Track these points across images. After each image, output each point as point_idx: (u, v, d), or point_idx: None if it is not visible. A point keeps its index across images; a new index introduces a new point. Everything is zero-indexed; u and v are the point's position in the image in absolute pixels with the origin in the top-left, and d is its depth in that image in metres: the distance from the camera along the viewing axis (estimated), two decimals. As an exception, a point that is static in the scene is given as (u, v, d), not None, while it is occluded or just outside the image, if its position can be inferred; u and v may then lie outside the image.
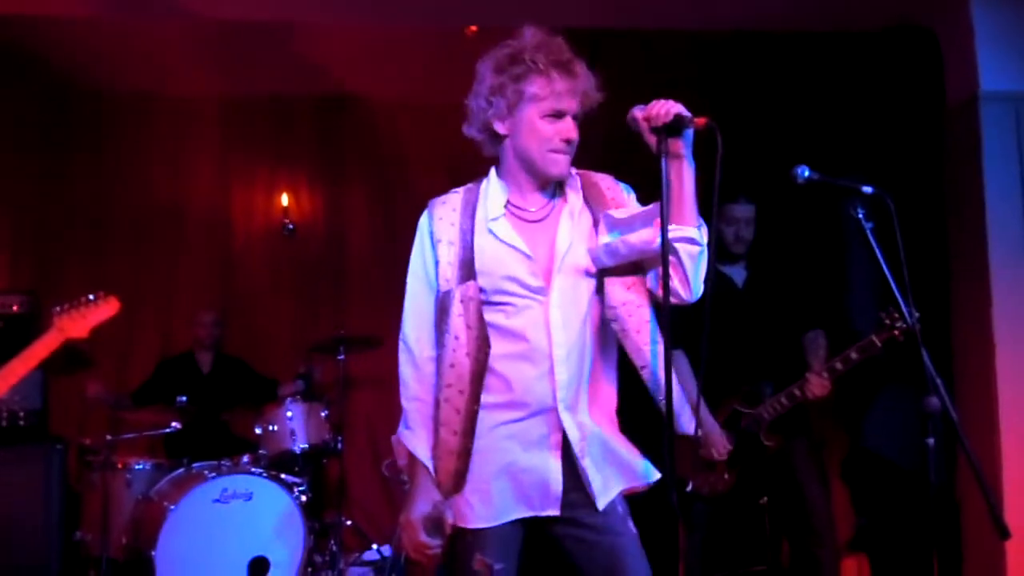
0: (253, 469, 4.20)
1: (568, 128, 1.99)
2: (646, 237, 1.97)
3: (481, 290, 2.00)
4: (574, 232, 2.04)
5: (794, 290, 3.51)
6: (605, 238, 2.03)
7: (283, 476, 4.25)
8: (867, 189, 2.35)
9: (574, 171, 2.11)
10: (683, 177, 1.92)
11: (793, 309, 3.47)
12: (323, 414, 4.58)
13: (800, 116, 4.55)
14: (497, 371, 1.99)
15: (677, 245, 1.91)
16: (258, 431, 4.58)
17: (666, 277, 1.84)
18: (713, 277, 3.39)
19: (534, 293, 2.00)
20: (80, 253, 5.89)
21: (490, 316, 2.00)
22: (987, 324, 3.74)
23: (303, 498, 4.17)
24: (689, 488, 3.35)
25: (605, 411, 2.09)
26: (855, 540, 4.21)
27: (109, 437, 4.31)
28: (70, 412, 5.21)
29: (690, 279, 1.98)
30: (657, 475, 2.05)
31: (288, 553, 4.04)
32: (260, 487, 4.09)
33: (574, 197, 2.08)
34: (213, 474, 4.06)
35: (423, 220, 2.11)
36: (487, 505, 1.99)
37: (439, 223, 2.07)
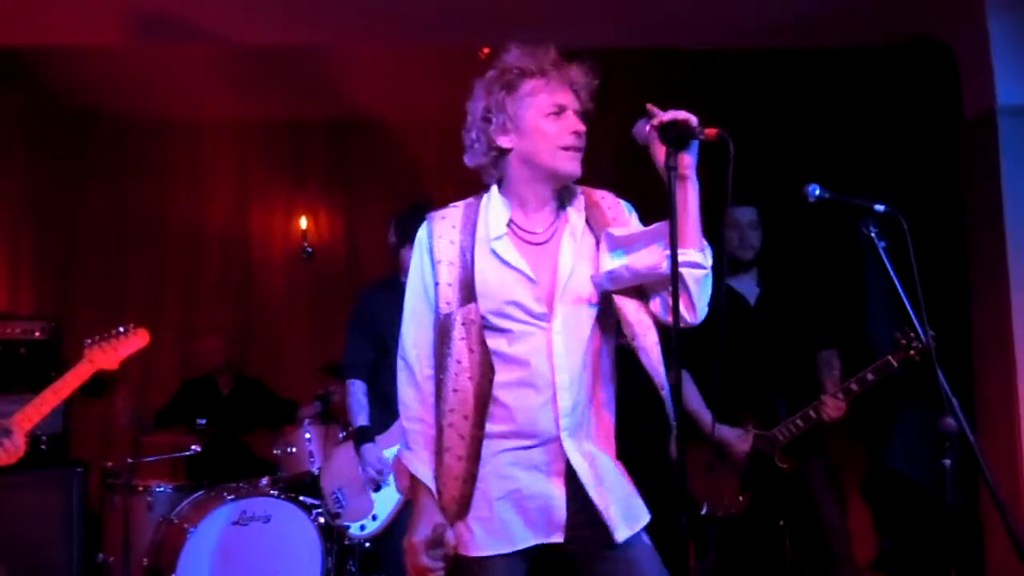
0: (271, 491, 4.21)
1: (572, 122, 1.96)
2: (649, 262, 1.94)
3: (481, 314, 1.96)
4: (576, 255, 2.00)
5: (807, 308, 3.47)
6: (607, 259, 2.00)
7: (301, 498, 4.26)
8: (879, 207, 2.34)
9: (577, 189, 2.08)
10: (688, 198, 1.88)
11: (806, 327, 3.44)
12: (341, 436, 4.59)
13: (816, 132, 4.53)
14: (499, 399, 1.95)
15: (682, 270, 1.87)
16: (276, 453, 4.60)
17: (675, 301, 1.80)
18: (724, 295, 3.41)
19: (536, 319, 1.96)
20: (101, 277, 5.97)
21: (491, 342, 1.96)
22: (1008, 342, 3.69)
23: (321, 520, 4.18)
24: (704, 511, 3.32)
25: (608, 438, 2.05)
26: (878, 561, 4.16)
27: (130, 460, 4.36)
28: (91, 436, 5.27)
29: (695, 303, 1.94)
30: (648, 517, 2.02)
31: (306, 575, 4.04)
32: (278, 509, 4.10)
33: (576, 217, 2.04)
34: (232, 496, 4.08)
35: (422, 236, 2.05)
36: (490, 533, 1.96)
37: (439, 241, 2.01)
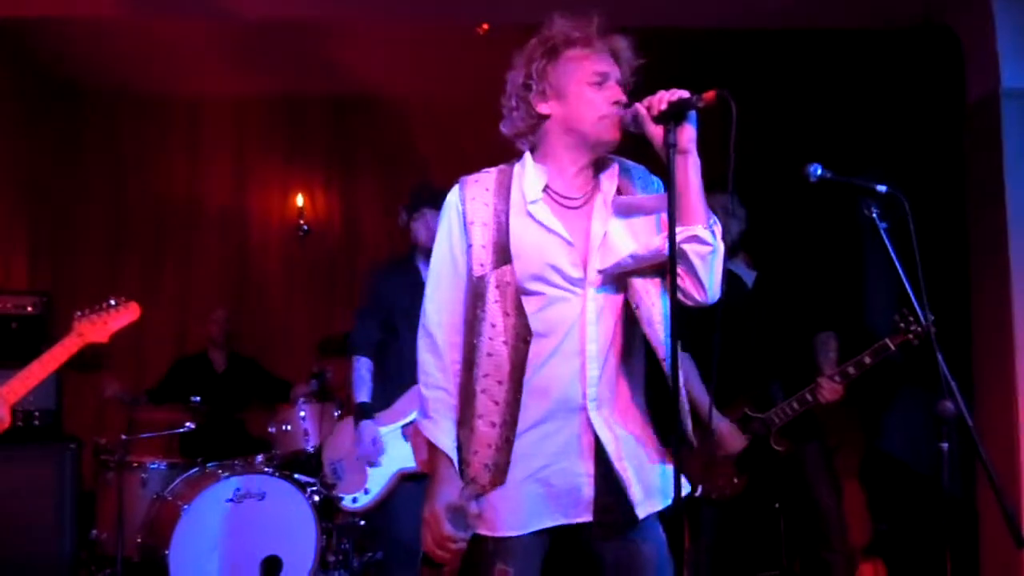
0: (266, 469, 4.21)
1: (615, 92, 1.92)
2: (653, 246, 1.90)
3: (517, 276, 1.89)
4: (606, 222, 1.94)
5: (805, 291, 3.45)
6: (614, 223, 1.95)
7: (296, 476, 4.26)
8: (881, 188, 2.31)
9: (612, 158, 2.03)
10: (689, 172, 1.84)
11: (804, 310, 3.42)
12: (336, 414, 4.58)
13: (819, 114, 4.50)
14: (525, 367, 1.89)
15: (685, 247, 1.83)
16: (271, 431, 4.61)
17: (673, 283, 1.77)
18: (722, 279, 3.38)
19: (572, 284, 1.90)
20: (96, 253, 5.95)
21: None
22: (1008, 326, 3.68)
23: (316, 498, 4.17)
24: (698, 492, 3.32)
25: (638, 410, 1.98)
26: (872, 545, 4.16)
27: (124, 437, 4.34)
28: (84, 411, 5.26)
29: (703, 281, 1.89)
30: (688, 488, 1.90)
31: (301, 552, 4.04)
32: (273, 487, 4.09)
33: (608, 185, 1.99)
34: (226, 474, 4.07)
35: (452, 199, 1.99)
36: (515, 512, 1.89)
37: (472, 203, 1.95)
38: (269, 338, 5.91)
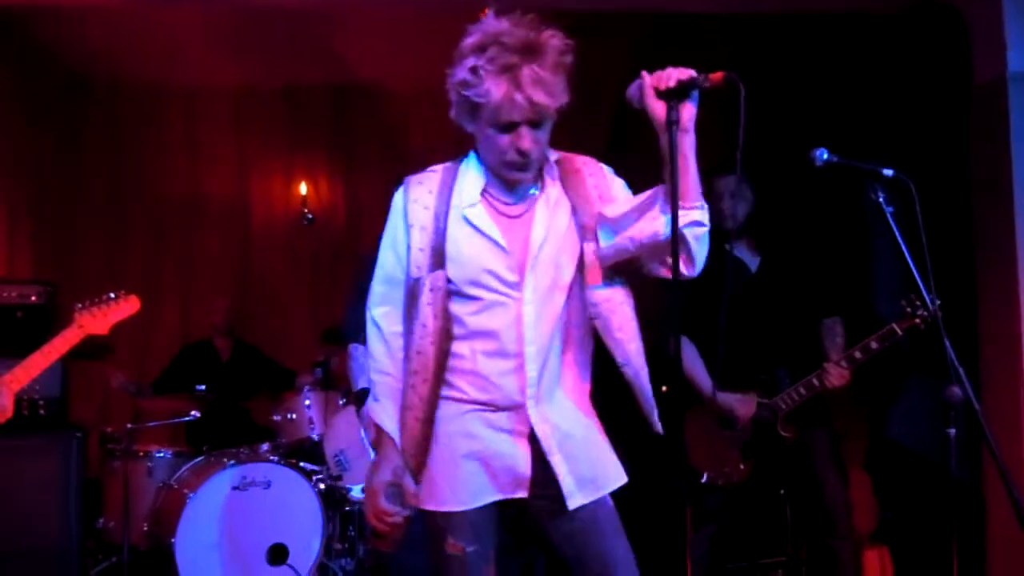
0: (272, 457, 4.21)
1: (519, 139, 1.88)
2: (650, 231, 1.92)
3: (449, 280, 1.96)
4: (550, 225, 1.98)
5: (811, 276, 3.43)
6: (607, 240, 1.98)
7: (302, 464, 4.26)
8: (888, 172, 2.30)
9: (555, 156, 2.04)
10: (688, 153, 1.84)
11: (810, 295, 3.40)
12: (341, 402, 4.59)
13: (823, 98, 4.47)
14: (466, 368, 1.97)
15: (684, 230, 1.85)
16: (276, 419, 4.62)
17: (675, 260, 1.79)
18: (730, 263, 3.37)
19: (508, 288, 1.96)
20: (99, 242, 5.95)
21: (459, 309, 1.97)
22: (1015, 312, 3.65)
23: (322, 485, 4.18)
24: (704, 479, 3.31)
25: (579, 406, 2.05)
26: (878, 532, 4.15)
27: (130, 425, 4.37)
28: (90, 400, 5.27)
29: (695, 258, 1.93)
30: (623, 480, 2.03)
31: (307, 540, 4.04)
32: (279, 475, 4.09)
33: (551, 186, 2.01)
34: (232, 462, 4.07)
35: (398, 199, 2.04)
36: (456, 489, 1.98)
37: (413, 206, 1.99)
38: (273, 326, 5.91)
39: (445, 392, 2.00)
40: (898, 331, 3.08)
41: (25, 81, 5.46)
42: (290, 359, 5.40)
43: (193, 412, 4.48)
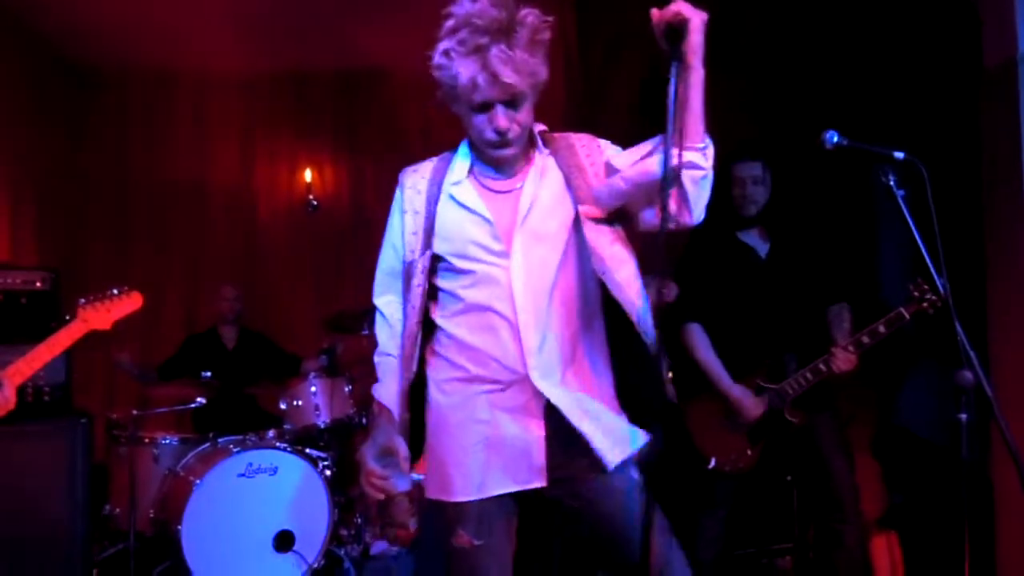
0: (278, 444, 4.22)
1: (497, 118, 1.89)
2: (641, 168, 1.91)
3: (441, 258, 1.98)
4: (536, 193, 1.98)
5: (819, 261, 3.41)
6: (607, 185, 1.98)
7: (308, 450, 4.26)
8: (899, 155, 2.28)
9: (547, 131, 2.06)
10: (689, 88, 1.80)
11: (818, 281, 3.38)
12: (347, 389, 4.59)
13: (833, 80, 4.43)
14: (467, 342, 1.96)
15: (681, 172, 1.83)
16: (283, 406, 4.61)
17: (664, 208, 1.75)
18: (735, 247, 3.35)
19: (496, 256, 1.95)
20: (105, 229, 5.95)
21: (453, 284, 1.98)
22: (1024, 296, 3.63)
23: (328, 472, 4.18)
24: (712, 465, 3.30)
25: (592, 377, 2.01)
26: (885, 517, 4.14)
27: (135, 412, 4.37)
28: (95, 387, 5.28)
29: (691, 203, 1.89)
30: (643, 439, 1.98)
31: (313, 527, 4.05)
32: (285, 461, 4.10)
33: (540, 159, 2.02)
34: (238, 449, 4.07)
35: (397, 190, 2.10)
36: (466, 478, 1.95)
37: (408, 192, 2.06)
38: (278, 314, 5.91)
39: (450, 374, 2.00)
40: (906, 315, 3.07)
41: (31, 68, 5.45)
42: (295, 345, 5.39)
43: (199, 399, 4.48)
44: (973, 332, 2.25)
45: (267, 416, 4.96)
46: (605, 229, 1.98)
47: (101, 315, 3.11)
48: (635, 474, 1.99)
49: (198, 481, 3.92)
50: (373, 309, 2.13)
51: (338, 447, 4.58)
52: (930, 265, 2.23)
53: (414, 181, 2.06)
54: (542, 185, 1.99)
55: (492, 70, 1.82)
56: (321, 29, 5.35)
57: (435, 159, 2.10)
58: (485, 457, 1.95)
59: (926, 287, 3.01)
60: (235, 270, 5.89)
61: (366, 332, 4.65)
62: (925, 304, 3.03)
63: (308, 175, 6.09)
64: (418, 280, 1.99)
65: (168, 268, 5.96)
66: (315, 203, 5.49)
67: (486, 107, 1.89)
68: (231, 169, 6.13)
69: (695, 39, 1.78)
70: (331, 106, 6.23)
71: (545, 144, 2.04)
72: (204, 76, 6.03)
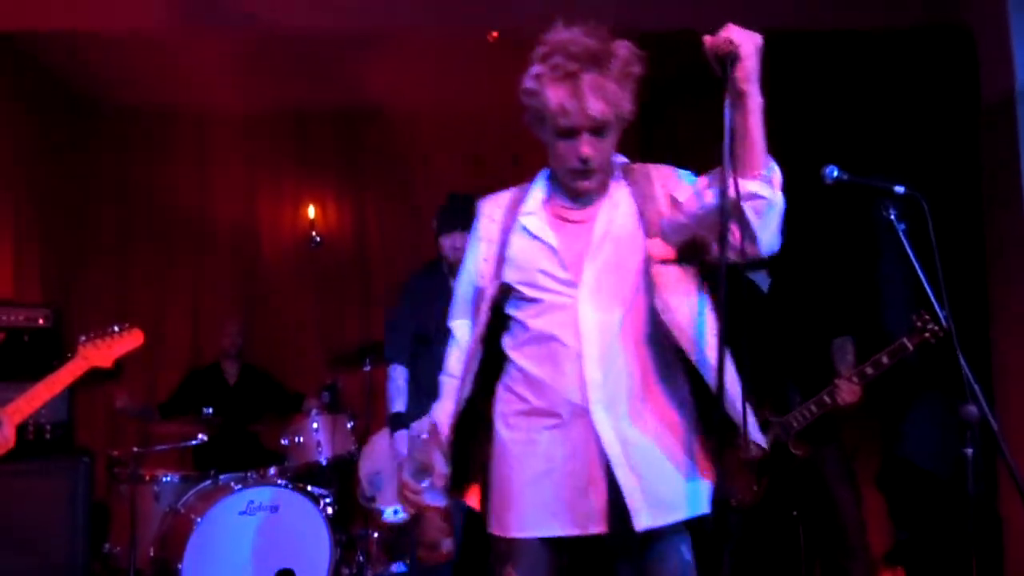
0: (279, 481, 4.19)
1: (580, 146, 1.87)
2: (700, 201, 1.85)
3: (510, 287, 1.97)
4: (609, 224, 1.94)
5: (821, 294, 3.42)
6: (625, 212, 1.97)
7: (309, 488, 4.23)
8: (899, 189, 2.29)
9: (624, 165, 2.03)
10: (746, 116, 1.74)
11: (821, 314, 3.38)
12: (349, 425, 4.56)
13: (832, 115, 4.46)
14: (531, 374, 1.92)
15: (741, 204, 1.75)
16: (284, 443, 4.58)
17: (724, 235, 1.70)
18: (743, 284, 3.35)
19: (563, 285, 1.92)
20: (108, 266, 5.96)
21: (521, 313, 1.97)
22: (1027, 328, 3.62)
23: (329, 510, 4.15)
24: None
25: (664, 418, 1.91)
26: (892, 553, 4.09)
27: (137, 449, 4.34)
28: (96, 424, 5.26)
29: (756, 233, 1.80)
30: (705, 509, 1.86)
31: (315, 565, 4.01)
32: (286, 499, 4.07)
33: (617, 190, 1.99)
34: (239, 486, 4.05)
35: (476, 218, 2.12)
36: (522, 514, 1.89)
37: (484, 220, 2.08)
38: (281, 349, 5.90)
39: (515, 407, 1.95)
40: (909, 346, 3.06)
41: (35, 105, 5.49)
42: (298, 381, 5.38)
43: (200, 436, 4.46)
44: (977, 364, 2.25)
45: (268, 453, 4.94)
46: (672, 268, 1.92)
47: (102, 352, 3.10)
48: (686, 552, 1.90)
49: (199, 519, 3.89)
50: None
51: (340, 484, 4.55)
52: (931, 297, 2.23)
53: (491, 210, 2.08)
54: (616, 216, 1.95)
55: (582, 97, 1.82)
56: (321, 68, 5.40)
57: (514, 188, 2.09)
58: (541, 494, 1.88)
59: (928, 318, 3.00)
60: (238, 306, 5.89)
61: (368, 368, 4.65)
62: (927, 335, 3.02)
63: (311, 211, 6.12)
64: (484, 307, 2.00)
65: (171, 304, 5.96)
66: (318, 239, 5.51)
67: (572, 134, 1.88)
68: (234, 205, 6.16)
69: (749, 64, 1.74)
70: (334, 143, 6.27)
71: (624, 175, 2.02)
72: (207, 113, 6.08)
